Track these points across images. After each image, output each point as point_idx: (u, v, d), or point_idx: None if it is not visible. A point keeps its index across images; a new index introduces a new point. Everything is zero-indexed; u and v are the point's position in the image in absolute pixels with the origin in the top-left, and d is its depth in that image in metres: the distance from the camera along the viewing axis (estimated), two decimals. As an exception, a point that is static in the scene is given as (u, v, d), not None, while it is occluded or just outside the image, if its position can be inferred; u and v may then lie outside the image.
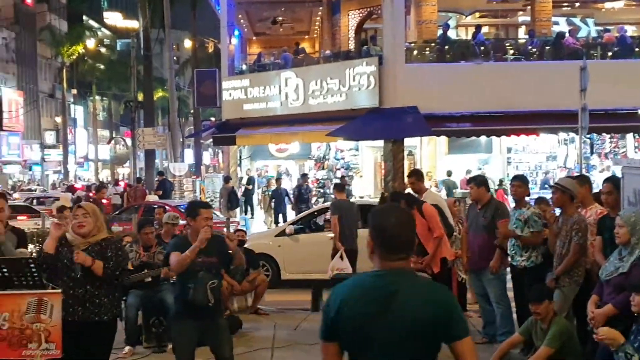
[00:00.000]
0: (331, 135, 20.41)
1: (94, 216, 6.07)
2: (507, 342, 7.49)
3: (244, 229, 17.97)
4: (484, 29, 25.42)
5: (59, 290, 5.78)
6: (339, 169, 26.61)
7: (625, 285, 5.97)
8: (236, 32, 29.53)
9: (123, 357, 8.78)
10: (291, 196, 25.30)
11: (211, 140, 29.64)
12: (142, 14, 40.24)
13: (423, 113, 19.39)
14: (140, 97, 48.98)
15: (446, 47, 21.70)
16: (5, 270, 5.75)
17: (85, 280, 5.94)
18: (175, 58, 48.08)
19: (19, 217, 19.41)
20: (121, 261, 6.10)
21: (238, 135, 23.20)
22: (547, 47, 21.44)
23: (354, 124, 19.83)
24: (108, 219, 17.35)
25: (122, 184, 39.23)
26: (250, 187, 26.71)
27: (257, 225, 24.76)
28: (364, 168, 26.15)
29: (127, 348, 8.94)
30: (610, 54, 21.43)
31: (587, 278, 7.61)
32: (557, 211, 8.26)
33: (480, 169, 23.56)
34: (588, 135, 19.89)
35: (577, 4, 28.19)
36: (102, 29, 73.53)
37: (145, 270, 9.25)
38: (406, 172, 17.43)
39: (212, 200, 26.43)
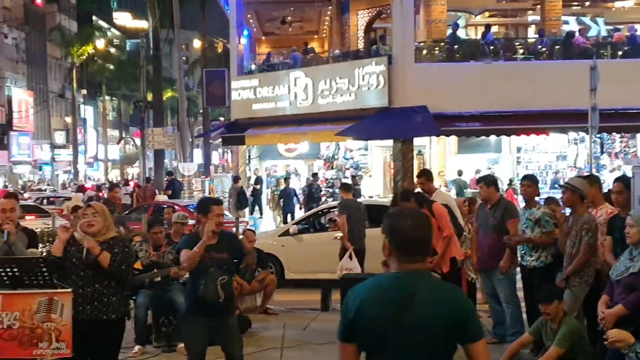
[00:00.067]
0: (340, 135, 20.40)
1: (103, 215, 6.11)
2: (517, 342, 7.47)
3: (253, 228, 17.98)
4: (494, 29, 25.38)
5: (69, 290, 5.79)
6: (348, 169, 26.61)
7: (635, 285, 5.95)
8: (245, 32, 29.57)
9: (133, 357, 8.79)
10: (300, 196, 25.32)
11: (220, 140, 29.66)
12: (152, 14, 40.37)
13: (432, 112, 19.37)
14: (149, 97, 49.13)
15: (455, 46, 21.67)
16: (16, 269, 5.77)
17: (94, 279, 5.96)
18: (184, 58, 48.25)
19: (27, 217, 19.48)
20: (128, 257, 6.12)
21: (247, 135, 23.22)
22: (557, 47, 21.38)
23: (363, 123, 19.82)
24: (123, 218, 17.41)
25: (132, 184, 39.31)
26: (259, 186, 26.73)
27: (266, 224, 24.77)
28: (373, 168, 26.14)
29: (137, 347, 8.96)
30: (620, 53, 21.36)
31: (598, 278, 7.58)
32: (567, 211, 8.24)
33: (489, 168, 23.52)
34: (598, 135, 19.82)
35: (587, 3, 28.13)
36: (112, 29, 73.73)
37: (155, 270, 9.26)
38: (415, 172, 17.41)
39: (221, 200, 26.41)
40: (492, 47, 21.41)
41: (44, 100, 61.46)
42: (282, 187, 26.00)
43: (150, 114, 52.42)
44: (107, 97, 68.86)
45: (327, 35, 34.36)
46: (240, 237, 11.18)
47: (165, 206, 18.24)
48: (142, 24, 54.97)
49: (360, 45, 26.78)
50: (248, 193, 25.48)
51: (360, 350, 3.35)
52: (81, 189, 30.76)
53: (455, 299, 3.31)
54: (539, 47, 21.53)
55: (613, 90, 17.19)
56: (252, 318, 10.34)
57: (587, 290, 7.63)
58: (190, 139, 41.60)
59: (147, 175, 42.32)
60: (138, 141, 59.44)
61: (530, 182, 8.91)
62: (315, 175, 25.36)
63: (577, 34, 21.77)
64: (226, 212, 20.45)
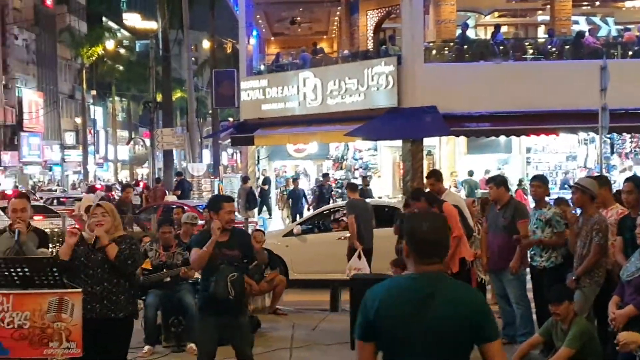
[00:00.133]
0: (349, 135, 20.39)
1: (112, 215, 6.17)
2: (527, 342, 7.45)
3: (262, 229, 17.99)
4: (503, 29, 25.34)
5: (80, 290, 5.82)
6: (357, 169, 26.58)
7: (646, 286, 5.92)
8: (254, 33, 29.59)
9: (142, 357, 8.81)
10: (308, 196, 25.30)
11: (229, 140, 29.68)
12: (161, 15, 40.42)
13: (442, 113, 19.34)
14: (159, 97, 49.19)
15: (465, 46, 21.62)
16: (26, 270, 5.79)
17: (103, 278, 6.01)
18: (193, 59, 48.35)
19: (35, 217, 19.54)
20: (134, 253, 6.15)
21: (256, 136, 23.24)
22: (567, 47, 21.32)
23: (372, 123, 19.80)
24: (139, 218, 17.44)
25: (141, 184, 39.41)
26: (266, 187, 26.74)
27: (275, 224, 24.77)
28: (382, 168, 26.10)
29: (146, 347, 8.97)
30: (630, 53, 21.26)
31: (608, 279, 7.56)
32: (578, 211, 8.21)
33: (499, 169, 23.45)
34: (608, 135, 19.73)
35: (597, 3, 28.03)
36: (121, 30, 73.89)
37: (164, 270, 9.28)
38: (425, 172, 17.39)
39: (230, 201, 26.41)
40: (501, 47, 21.36)
41: (54, 101, 61.67)
42: (291, 187, 25.99)
43: (160, 114, 52.49)
44: (116, 98, 69.05)
45: (336, 36, 34.36)
46: (249, 237, 11.19)
47: (174, 206, 18.26)
48: (152, 25, 55.05)
49: (370, 45, 26.77)
50: (256, 193, 25.48)
51: (378, 350, 3.42)
52: (92, 189, 30.83)
53: (472, 299, 3.38)
54: (549, 47, 21.47)
55: (623, 90, 17.14)
56: (262, 318, 10.36)
57: (598, 290, 7.60)
58: (199, 140, 41.67)
59: (157, 176, 42.40)
60: (147, 142, 59.49)
61: (540, 183, 8.88)
62: (326, 175, 25.32)
63: (587, 33, 21.71)
64: (235, 213, 20.47)
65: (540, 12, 28.28)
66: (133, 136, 73.71)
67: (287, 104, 22.59)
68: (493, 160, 24.54)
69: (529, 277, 9.09)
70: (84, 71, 60.53)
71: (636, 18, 27.05)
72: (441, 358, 3.31)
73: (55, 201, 30.85)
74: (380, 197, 21.33)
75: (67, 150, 64.13)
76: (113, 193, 31.69)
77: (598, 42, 21.42)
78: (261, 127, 23.15)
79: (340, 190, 25.91)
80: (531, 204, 10.56)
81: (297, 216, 23.79)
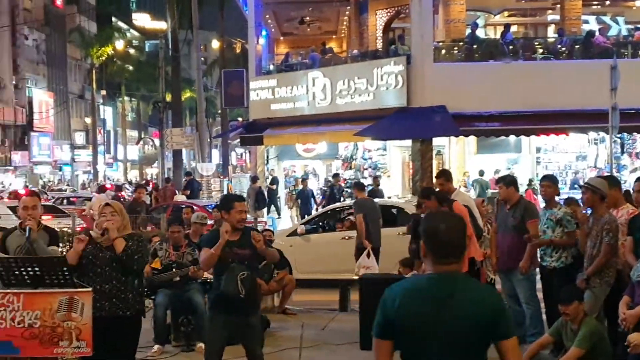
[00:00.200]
0: (359, 135, 20.39)
1: (121, 214, 6.21)
2: (536, 343, 7.43)
3: (272, 228, 18.01)
4: (513, 28, 25.29)
5: (90, 289, 5.83)
6: (366, 169, 26.56)
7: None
8: (264, 32, 29.60)
9: (152, 356, 8.83)
10: (317, 196, 25.28)
11: (238, 140, 29.72)
12: (170, 15, 40.52)
13: (451, 112, 19.31)
14: (168, 97, 49.28)
15: (474, 46, 21.58)
16: (37, 269, 5.81)
17: (111, 276, 6.05)
18: (203, 59, 48.44)
19: (44, 217, 19.59)
20: (141, 249, 6.17)
21: (265, 135, 23.27)
22: (577, 46, 21.25)
23: (381, 123, 19.79)
24: (152, 218, 17.48)
25: (151, 184, 39.49)
26: (274, 187, 26.74)
27: (284, 224, 24.78)
28: (391, 168, 26.08)
29: (156, 347, 8.99)
30: (641, 52, 21.19)
31: (619, 279, 7.54)
32: (588, 211, 8.18)
33: (509, 168, 23.40)
34: (618, 135, 19.67)
35: (608, 2, 27.93)
36: (131, 30, 74.09)
37: (174, 270, 9.30)
38: (434, 172, 17.36)
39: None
40: (511, 47, 21.31)
41: (64, 101, 61.89)
42: (300, 187, 25.98)
43: (169, 114, 52.59)
44: (126, 98, 69.22)
45: (346, 35, 34.35)
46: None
47: (183, 206, 18.29)
48: (161, 25, 55.25)
49: (379, 45, 26.75)
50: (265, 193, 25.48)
51: (395, 348, 3.48)
52: (102, 189, 30.93)
53: (489, 298, 3.44)
54: (559, 46, 21.41)
55: (634, 90, 17.09)
56: (271, 318, 10.35)
57: (608, 291, 7.58)
58: (208, 140, 41.69)
59: (166, 176, 42.50)
60: (157, 141, 59.65)
61: (550, 183, 8.86)
62: (337, 175, 25.25)
63: (597, 33, 21.64)
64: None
65: (550, 11, 28.20)
66: (142, 136, 73.85)
67: (296, 103, 22.59)
68: (503, 160, 24.48)
69: (538, 277, 9.07)
70: (93, 71, 60.71)
71: (647, 17, 26.95)
72: (458, 356, 3.37)
73: (65, 201, 30.93)
74: (389, 197, 21.30)
75: (77, 150, 64.35)
76: (123, 193, 31.78)
77: (608, 41, 21.35)
78: (270, 127, 23.17)
79: (349, 190, 25.92)
80: (541, 203, 10.54)
81: (306, 216, 23.78)
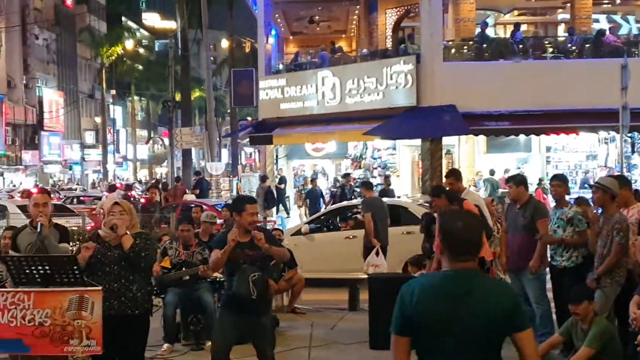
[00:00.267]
0: (368, 134, 20.37)
1: (130, 214, 6.23)
2: (546, 342, 7.41)
3: (281, 228, 18.02)
4: (523, 27, 25.19)
5: (100, 288, 5.85)
6: (375, 168, 26.53)
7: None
8: (273, 32, 29.60)
9: (162, 355, 8.85)
10: (326, 196, 25.27)
11: (248, 139, 29.74)
12: (180, 14, 40.59)
13: (461, 112, 19.28)
14: (177, 97, 49.37)
15: (484, 45, 21.53)
16: (47, 267, 5.83)
17: (120, 275, 6.07)
18: (212, 58, 48.50)
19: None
20: (148, 247, 6.18)
21: (274, 135, 23.27)
22: (587, 45, 21.18)
23: (391, 122, 19.77)
24: (163, 218, 17.51)
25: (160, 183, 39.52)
26: (282, 186, 26.74)
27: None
28: (401, 167, 26.05)
29: (165, 345, 9.01)
30: (651, 51, 21.10)
31: (629, 278, 7.51)
32: (599, 211, 8.15)
33: (519, 168, 23.34)
34: (629, 134, 19.61)
35: (618, 1, 27.82)
36: (141, 30, 74.29)
37: (184, 269, 9.32)
38: (444, 172, 17.33)
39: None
40: (521, 46, 21.26)
41: (74, 101, 62.11)
42: (309, 187, 25.96)
43: (179, 113, 52.69)
44: (135, 97, 69.42)
45: (355, 35, 34.31)
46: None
47: (193, 205, 18.33)
48: (171, 25, 55.28)
49: (388, 44, 26.71)
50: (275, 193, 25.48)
51: (412, 345, 3.54)
52: (113, 188, 31.03)
53: (504, 294, 3.53)
54: (569, 45, 21.35)
55: (644, 89, 16.98)
56: (280, 317, 10.35)
57: (619, 290, 7.55)
58: (217, 139, 41.75)
59: (176, 175, 42.60)
60: (166, 141, 59.79)
61: (560, 182, 8.83)
62: (347, 175, 25.21)
63: (607, 32, 21.56)
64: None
65: (560, 10, 28.10)
66: (152, 135, 74.05)
67: (305, 103, 22.59)
68: (512, 159, 24.43)
69: (548, 276, 9.04)
70: (103, 71, 60.91)
71: (657, 16, 26.84)
72: (474, 352, 3.44)
73: (75, 200, 31.04)
74: (399, 197, 21.28)
75: (87, 149, 64.58)
76: (133, 193, 31.83)
77: (619, 40, 21.27)
78: (280, 126, 23.17)
79: (358, 190, 25.90)
80: (551, 203, 10.50)
81: (313, 216, 23.76)
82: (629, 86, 15.00)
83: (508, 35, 23.67)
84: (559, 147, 24.14)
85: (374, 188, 22.36)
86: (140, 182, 58.33)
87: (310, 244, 14.01)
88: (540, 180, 22.30)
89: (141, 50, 67.31)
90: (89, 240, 6.34)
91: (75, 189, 44.70)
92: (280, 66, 27.09)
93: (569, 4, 25.02)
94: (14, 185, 46.00)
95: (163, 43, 70.47)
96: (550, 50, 21.56)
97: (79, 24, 62.45)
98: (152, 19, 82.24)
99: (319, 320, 10.79)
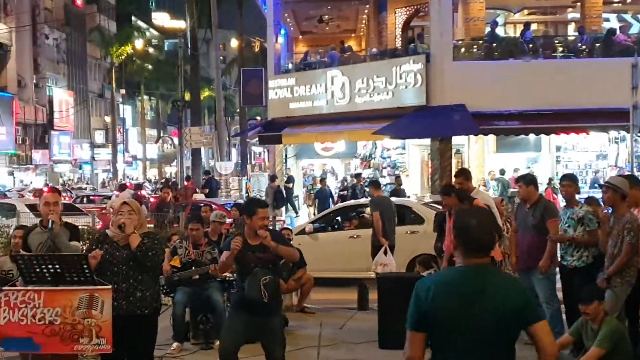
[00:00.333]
0: (377, 134, 20.35)
1: (138, 213, 6.22)
2: (556, 342, 7.37)
3: (290, 227, 18.02)
4: (533, 26, 25.11)
5: (109, 287, 5.86)
6: (385, 168, 26.51)
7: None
8: (282, 31, 29.61)
9: (171, 353, 8.86)
10: (335, 196, 25.27)
11: (257, 139, 29.77)
12: (190, 14, 40.66)
13: (471, 111, 19.24)
14: (187, 96, 49.50)
15: (494, 44, 21.48)
16: (58, 266, 5.85)
17: (128, 275, 6.06)
18: (221, 57, 48.46)
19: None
20: (156, 247, 6.17)
21: (284, 134, 23.27)
22: (598, 44, 21.09)
23: (400, 122, 19.75)
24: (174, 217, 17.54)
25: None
26: (290, 185, 26.74)
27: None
28: (410, 167, 26.02)
29: (175, 344, 9.03)
30: (662, 50, 20.98)
31: (639, 278, 7.48)
32: (609, 210, 8.12)
33: (529, 167, 23.27)
34: (639, 134, 19.51)
35: (628, 0, 27.69)
36: (150, 30, 74.48)
37: (193, 268, 9.33)
38: (454, 171, 17.30)
39: (257, 199, 26.48)
40: (531, 45, 21.19)
41: (83, 100, 62.31)
42: (319, 186, 25.95)
43: (188, 113, 52.78)
44: (145, 97, 69.59)
45: (365, 34, 34.28)
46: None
47: (202, 205, 18.36)
48: (180, 24, 55.44)
49: (398, 43, 26.68)
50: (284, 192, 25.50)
51: (427, 340, 3.60)
52: (123, 187, 31.12)
53: (517, 290, 3.61)
54: (579, 44, 21.27)
55: (655, 88, 16.90)
56: (289, 316, 10.36)
57: (629, 290, 7.52)
58: (227, 138, 41.82)
59: (187, 174, 42.68)
60: (176, 140, 59.94)
61: (570, 182, 8.80)
62: (359, 175, 25.17)
63: (618, 31, 21.47)
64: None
65: (570, 9, 28.00)
66: (161, 135, 74.22)
67: (315, 102, 22.59)
68: (522, 158, 24.37)
69: (558, 276, 9.01)
70: (113, 70, 61.09)
71: (668, 15, 26.72)
72: (487, 348, 3.50)
73: (85, 199, 31.15)
74: (408, 197, 21.26)
75: (97, 148, 64.81)
76: (143, 192, 31.91)
77: (629, 39, 21.16)
78: (289, 126, 23.17)
79: (367, 190, 25.87)
80: (561, 203, 10.46)
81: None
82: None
83: (518, 34, 23.60)
84: (569, 147, 24.06)
85: (384, 187, 22.44)
86: (149, 181, 58.50)
87: (314, 243, 14.01)
88: (550, 179, 22.23)
89: (151, 50, 67.45)
90: (97, 240, 6.35)
91: (85, 188, 44.85)
92: (290, 65, 27.09)
93: (579, 3, 24.92)
94: (26, 185, 46.20)
95: (172, 42, 70.67)
96: (561, 49, 21.48)
97: (88, 24, 62.67)
98: (161, 18, 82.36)
99: (328, 319, 10.79)
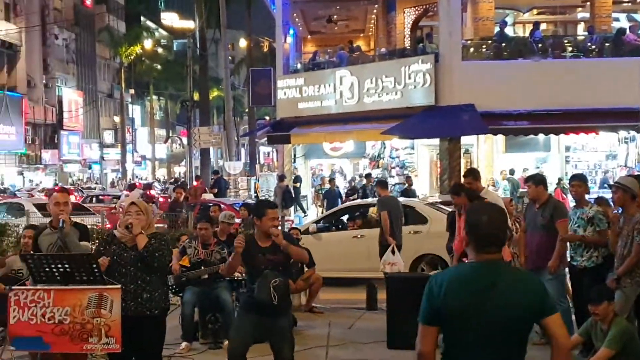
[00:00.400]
0: (386, 134, 20.34)
1: (146, 213, 6.22)
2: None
3: (299, 227, 18.02)
4: (542, 26, 25.05)
5: (119, 286, 5.87)
6: (393, 168, 26.48)
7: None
8: (291, 31, 29.63)
9: (180, 353, 8.88)
10: (343, 196, 25.26)
11: (265, 139, 29.80)
12: (199, 14, 40.72)
13: (480, 111, 19.22)
14: (196, 96, 49.56)
15: (503, 44, 21.45)
16: (67, 265, 5.87)
17: (136, 276, 6.07)
18: (230, 57, 48.54)
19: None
20: (163, 247, 6.17)
21: (292, 134, 23.28)
22: (607, 44, 21.03)
23: (409, 122, 19.73)
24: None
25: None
26: (298, 184, 26.75)
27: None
28: (419, 167, 25.99)
29: (183, 344, 9.04)
30: (672, 50, 20.89)
31: (650, 278, 7.45)
32: (619, 210, 8.09)
33: (538, 167, 23.22)
34: (649, 134, 19.45)
35: (639, 0, 27.59)
36: (159, 30, 74.63)
37: (202, 268, 9.34)
38: (462, 171, 17.26)
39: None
40: (540, 45, 21.14)
41: (93, 100, 62.49)
42: (327, 186, 25.94)
43: (197, 113, 52.90)
44: (154, 97, 69.74)
45: (373, 34, 34.27)
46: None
47: (211, 204, 18.38)
48: (189, 24, 55.52)
49: (407, 43, 26.67)
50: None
51: (439, 334, 3.62)
52: (133, 187, 31.22)
53: (530, 283, 3.63)
54: (589, 44, 21.21)
55: (665, 88, 16.84)
56: (298, 316, 10.35)
57: (639, 291, 7.50)
58: (236, 138, 41.84)
59: (195, 174, 42.74)
60: (185, 140, 60.02)
61: (580, 182, 8.77)
62: (369, 175, 25.16)
63: (627, 30, 21.40)
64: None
65: (579, 9, 27.93)
66: (170, 135, 74.37)
67: (323, 102, 22.60)
68: (531, 158, 24.31)
69: (567, 276, 8.99)
70: (122, 70, 61.22)
71: (678, 14, 26.60)
72: (499, 344, 3.52)
73: (94, 199, 31.25)
74: (419, 197, 21.23)
75: (106, 148, 64.97)
76: (152, 192, 31.98)
77: (639, 39, 21.09)
78: (297, 126, 23.18)
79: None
80: (570, 203, 10.42)
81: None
82: (650, 85, 14.87)
83: (527, 34, 23.57)
84: (579, 147, 23.99)
85: (393, 187, 22.41)
86: (158, 181, 58.63)
87: (317, 243, 14.00)
88: (560, 179, 22.17)
89: (160, 50, 67.61)
90: (105, 241, 6.36)
91: (95, 188, 44.99)
92: (298, 65, 27.11)
93: (588, 3, 24.86)
94: (36, 185, 46.36)
95: (181, 43, 70.79)
96: (570, 49, 21.43)
97: (98, 24, 62.83)
98: (170, 18, 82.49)
99: (337, 319, 10.78)
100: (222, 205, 17.11)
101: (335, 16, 31.19)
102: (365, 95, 21.34)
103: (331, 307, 11.76)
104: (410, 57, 21.32)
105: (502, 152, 24.30)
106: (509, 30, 24.34)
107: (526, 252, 9.10)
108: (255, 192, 30.79)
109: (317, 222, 15.10)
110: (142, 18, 68.76)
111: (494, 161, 23.90)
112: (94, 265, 5.87)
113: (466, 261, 3.85)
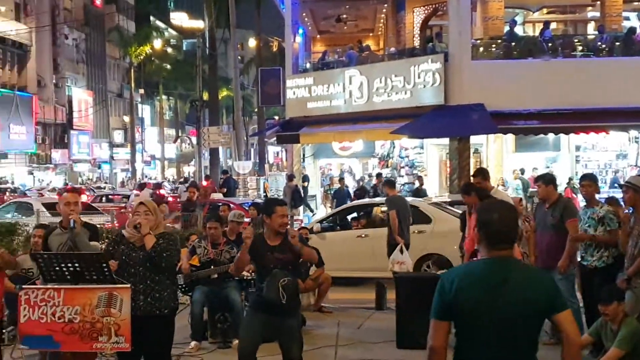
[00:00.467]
0: (395, 133, 20.32)
1: (155, 213, 6.22)
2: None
3: (307, 226, 18.02)
4: (552, 25, 24.99)
5: (128, 285, 5.88)
6: (403, 167, 26.45)
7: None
8: (300, 31, 29.64)
9: (189, 352, 8.89)
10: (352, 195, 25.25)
11: (275, 138, 29.82)
12: (208, 14, 40.79)
13: (489, 110, 19.18)
14: (205, 96, 49.65)
15: (513, 43, 21.39)
16: (77, 265, 5.89)
17: (145, 276, 6.07)
18: (239, 57, 48.64)
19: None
20: (171, 247, 6.16)
21: (302, 134, 23.28)
22: (617, 43, 20.96)
23: (418, 121, 19.71)
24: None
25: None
26: (306, 184, 26.74)
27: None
28: (428, 166, 25.95)
29: (193, 343, 9.05)
30: (683, 49, 20.81)
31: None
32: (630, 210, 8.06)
33: (548, 167, 23.17)
34: (660, 133, 19.38)
35: (649, -1, 27.48)
36: (169, 30, 74.78)
37: (212, 267, 9.35)
38: (472, 171, 17.24)
39: (275, 199, 26.50)
40: (550, 44, 21.08)
41: (103, 100, 62.68)
42: (336, 186, 25.91)
43: (206, 112, 53.03)
44: (164, 97, 69.90)
45: (383, 33, 34.23)
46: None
47: (220, 204, 18.40)
48: (199, 24, 55.69)
49: (416, 42, 26.63)
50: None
51: (450, 329, 3.66)
52: (143, 186, 31.27)
53: (542, 280, 3.66)
54: (599, 43, 21.14)
55: (676, 87, 16.80)
56: (307, 316, 10.34)
57: (650, 291, 7.46)
58: (245, 138, 41.91)
59: (205, 174, 42.82)
60: (194, 140, 60.15)
61: (590, 182, 8.75)
62: (379, 175, 25.14)
63: (638, 30, 21.32)
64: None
65: (590, 8, 27.83)
66: (180, 134, 74.51)
67: (332, 102, 22.59)
68: (541, 158, 24.26)
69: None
70: (132, 70, 61.39)
71: (689, 13, 26.46)
72: (511, 340, 3.55)
73: (104, 198, 31.33)
74: (430, 197, 21.20)
75: (116, 148, 65.14)
76: (162, 192, 32.03)
77: (650, 38, 21.03)
78: (307, 125, 23.18)
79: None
80: (580, 202, 10.39)
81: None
82: (660, 84, 14.86)
83: (537, 33, 23.50)
84: (589, 146, 23.92)
85: (403, 187, 22.38)
86: (168, 180, 58.74)
87: (322, 242, 13.98)
88: (570, 179, 22.12)
89: (169, 50, 67.77)
90: (114, 241, 6.37)
91: (104, 188, 45.12)
92: (308, 65, 27.11)
93: (599, 2, 24.77)
94: (47, 184, 46.54)
95: (191, 42, 70.93)
96: (580, 48, 21.36)
97: (107, 24, 63.00)
98: (180, 18, 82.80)
99: (346, 319, 10.78)
100: (232, 205, 17.12)
101: (344, 15, 31.17)
102: (374, 95, 21.32)
103: (340, 307, 11.76)
104: (419, 57, 21.29)
105: (512, 151, 24.26)
106: (518, 30, 24.28)
107: (536, 251, 9.07)
108: (265, 191, 30.82)
109: (320, 221, 15.11)
110: (152, 18, 68.90)
111: (503, 161, 23.85)
112: (104, 265, 5.89)
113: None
